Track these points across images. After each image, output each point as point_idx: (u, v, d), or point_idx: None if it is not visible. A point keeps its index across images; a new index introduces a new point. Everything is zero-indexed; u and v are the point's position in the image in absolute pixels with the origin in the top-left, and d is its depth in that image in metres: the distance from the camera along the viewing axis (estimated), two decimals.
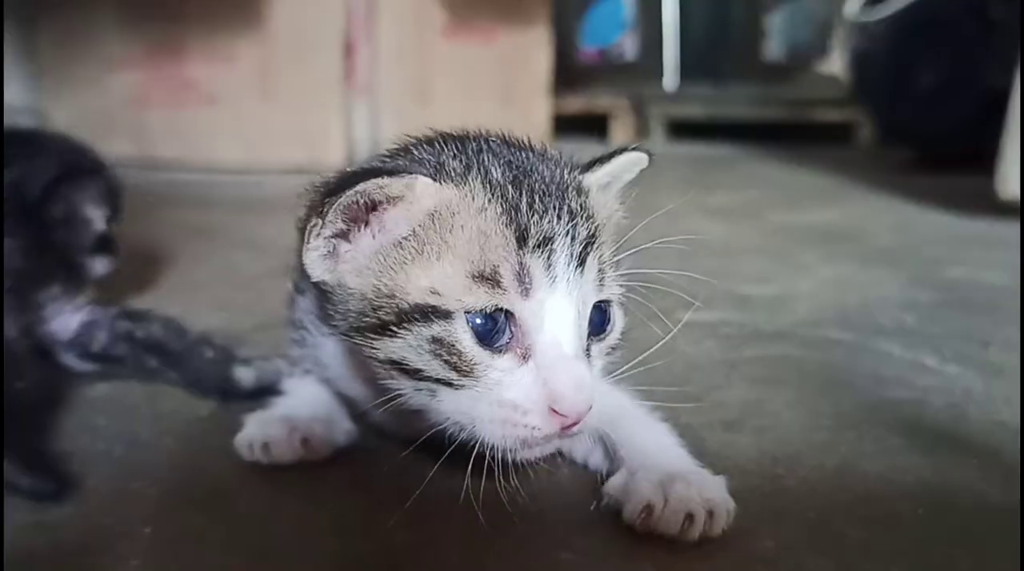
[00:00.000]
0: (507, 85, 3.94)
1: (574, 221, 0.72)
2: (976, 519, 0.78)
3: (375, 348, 0.73)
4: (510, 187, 0.72)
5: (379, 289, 0.73)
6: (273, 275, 1.21)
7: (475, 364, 0.70)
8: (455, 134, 0.81)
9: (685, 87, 5.01)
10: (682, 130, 4.93)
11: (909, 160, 3.46)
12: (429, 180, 0.72)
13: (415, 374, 0.72)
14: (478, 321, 0.70)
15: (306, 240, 0.75)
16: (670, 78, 5.04)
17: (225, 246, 1.97)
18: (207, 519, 0.78)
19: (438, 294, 0.70)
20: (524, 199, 0.72)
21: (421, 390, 0.73)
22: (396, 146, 0.83)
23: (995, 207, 2.23)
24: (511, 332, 0.71)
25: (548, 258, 0.70)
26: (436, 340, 0.70)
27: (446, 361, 0.70)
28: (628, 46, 5.10)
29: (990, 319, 1.40)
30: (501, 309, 0.70)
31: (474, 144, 0.78)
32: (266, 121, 3.30)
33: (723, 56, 4.90)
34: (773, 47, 4.76)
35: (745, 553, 0.73)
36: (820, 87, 4.53)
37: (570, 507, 0.80)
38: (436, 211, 0.72)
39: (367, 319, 0.73)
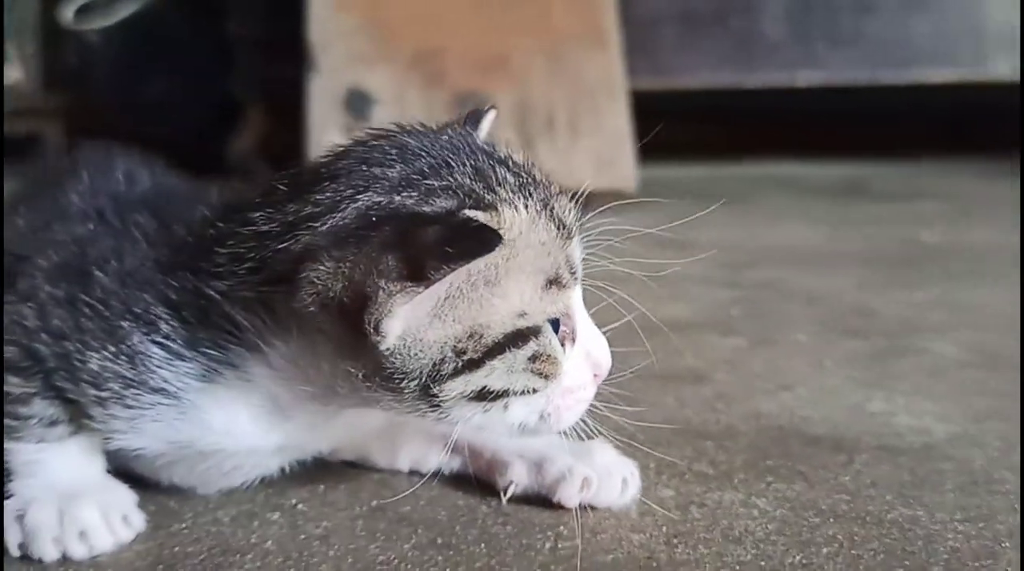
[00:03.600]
0: None
1: (562, 194, 0.72)
2: None
3: (453, 390, 0.66)
4: (525, 186, 0.69)
5: (459, 332, 0.65)
6: None
7: (561, 364, 0.69)
8: (418, 143, 0.70)
9: None
10: None
11: None
12: (498, 214, 0.65)
13: (497, 396, 0.68)
14: (552, 325, 0.69)
15: (387, 308, 0.62)
16: None
17: None
18: None
19: (527, 315, 0.66)
20: (540, 192, 0.69)
21: (489, 410, 0.68)
22: (333, 179, 0.69)
23: None
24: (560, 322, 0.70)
25: (576, 241, 0.70)
26: (534, 357, 0.67)
27: (538, 372, 0.68)
28: None
29: None
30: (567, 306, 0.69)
31: (449, 149, 0.70)
32: None
33: None
34: None
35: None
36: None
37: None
38: (505, 241, 0.65)
39: (448, 366, 0.66)
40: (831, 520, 0.79)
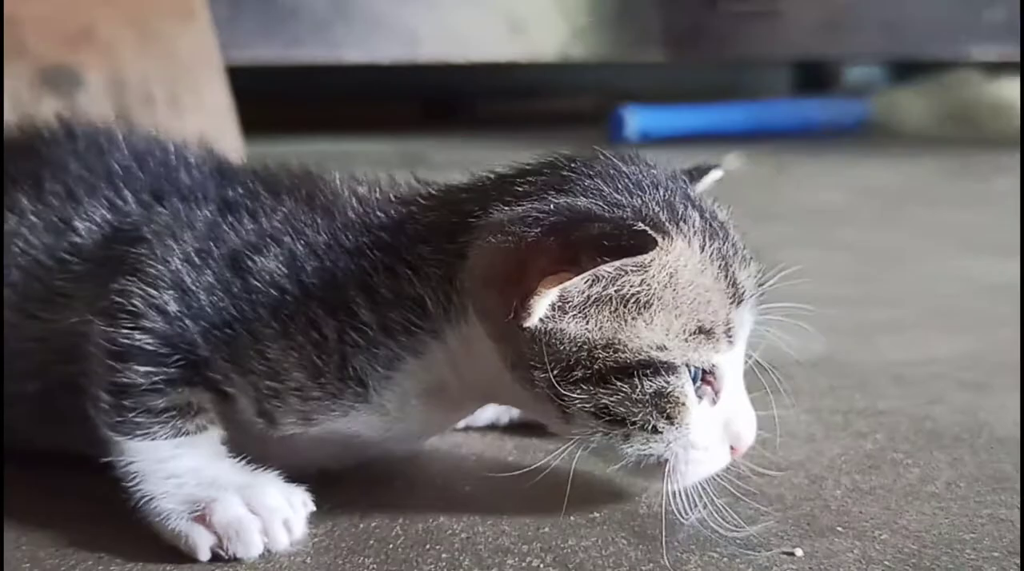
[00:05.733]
0: None
1: (751, 261, 0.74)
2: None
3: (578, 397, 0.68)
4: (710, 234, 0.71)
5: (597, 339, 0.67)
6: None
7: (688, 412, 0.70)
8: (628, 168, 0.73)
9: None
10: None
11: None
12: (670, 240, 0.68)
13: (617, 422, 0.69)
14: (691, 372, 0.70)
15: (536, 286, 0.65)
16: None
17: None
18: None
19: (666, 349, 0.68)
20: (725, 247, 0.71)
21: (609, 434, 0.70)
22: (538, 175, 0.73)
23: None
24: (705, 379, 0.71)
25: (747, 309, 0.72)
26: (660, 393, 0.68)
27: (662, 411, 0.69)
28: None
29: None
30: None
31: (649, 179, 0.72)
32: None
33: None
34: None
35: None
36: None
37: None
38: (668, 268, 0.68)
39: (579, 370, 0.68)
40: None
